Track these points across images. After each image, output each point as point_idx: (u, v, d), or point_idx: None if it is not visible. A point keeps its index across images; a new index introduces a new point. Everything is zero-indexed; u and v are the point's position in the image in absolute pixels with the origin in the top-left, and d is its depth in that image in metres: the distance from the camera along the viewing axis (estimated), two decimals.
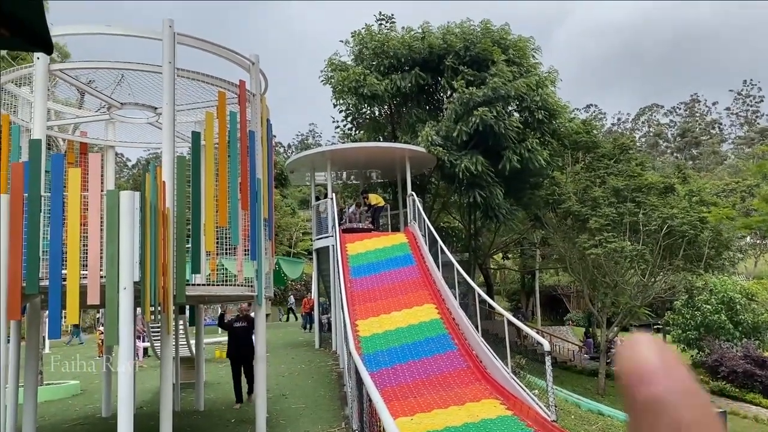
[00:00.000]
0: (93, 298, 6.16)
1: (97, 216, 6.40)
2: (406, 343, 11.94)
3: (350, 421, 8.56)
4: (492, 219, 21.06)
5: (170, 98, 7.91)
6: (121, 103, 10.27)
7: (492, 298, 24.90)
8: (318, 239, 18.88)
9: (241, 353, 10.82)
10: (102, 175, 7.98)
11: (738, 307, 28.90)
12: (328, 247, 17.60)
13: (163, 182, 7.33)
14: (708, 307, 28.42)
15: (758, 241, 47.57)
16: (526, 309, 37.45)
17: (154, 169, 7.15)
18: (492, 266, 35.19)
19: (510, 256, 38.53)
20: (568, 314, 39.24)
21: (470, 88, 19.59)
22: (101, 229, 6.43)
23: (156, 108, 10.18)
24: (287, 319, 33.75)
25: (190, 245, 7.80)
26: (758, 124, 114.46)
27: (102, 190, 6.70)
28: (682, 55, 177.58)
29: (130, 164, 73.18)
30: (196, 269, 7.95)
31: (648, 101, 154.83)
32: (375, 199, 19.70)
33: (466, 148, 19.58)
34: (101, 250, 6.35)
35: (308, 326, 23.93)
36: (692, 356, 29.71)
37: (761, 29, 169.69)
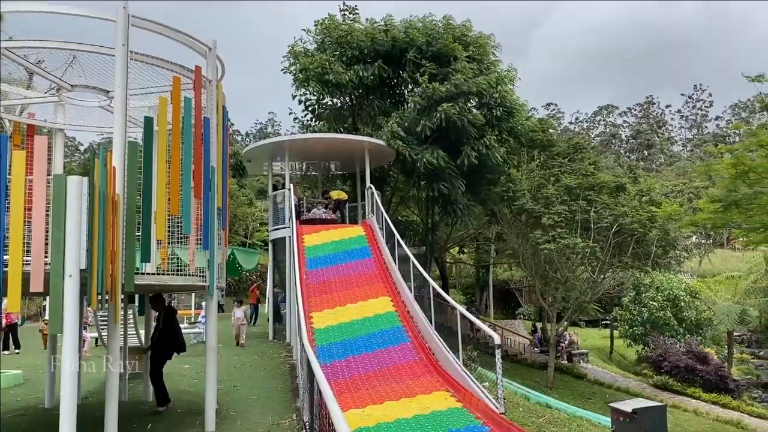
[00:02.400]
0: (36, 286, 5.96)
1: (42, 201, 6.19)
2: (361, 336, 11.96)
3: (301, 413, 8.54)
4: (450, 213, 21.25)
5: (123, 82, 7.69)
6: (72, 85, 9.94)
7: (447, 291, 25.19)
8: (274, 230, 18.72)
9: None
10: (50, 159, 7.71)
11: (682, 304, 29.97)
12: (284, 238, 17.48)
13: (113, 168, 7.14)
14: (654, 303, 29.36)
15: (703, 241, 49.34)
16: (480, 303, 37.96)
17: (104, 154, 6.96)
18: (448, 260, 35.55)
19: (465, 250, 38.99)
20: (520, 308, 39.97)
21: (433, 83, 19.67)
22: (47, 215, 6.23)
23: (108, 91, 9.90)
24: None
25: (140, 233, 7.61)
26: (706, 127, 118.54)
27: (49, 174, 6.48)
28: (659, 57, 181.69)
29: (81, 148, 71.00)
30: (146, 258, 7.76)
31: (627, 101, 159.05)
32: (337, 194, 19.69)
33: (427, 143, 19.68)
34: (46, 236, 6.16)
35: (253, 319, 23.12)
36: (638, 351, 30.71)
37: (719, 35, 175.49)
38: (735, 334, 32.75)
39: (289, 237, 16.51)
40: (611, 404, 6.78)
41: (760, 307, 31.38)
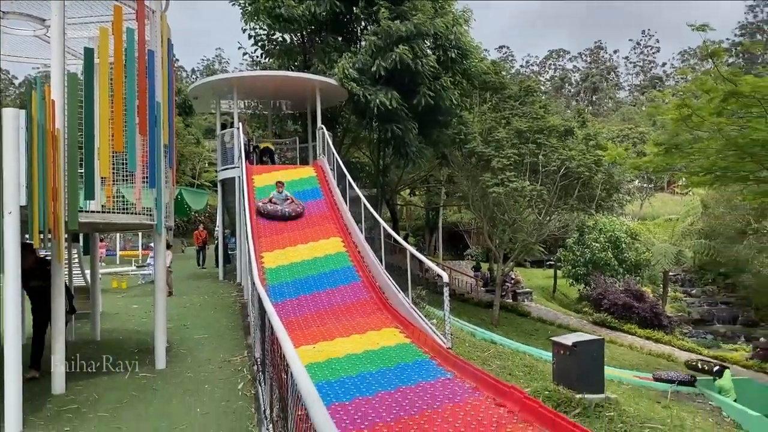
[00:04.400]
0: None
1: None
2: (312, 275, 12.06)
3: (252, 349, 8.65)
4: (402, 156, 21.26)
5: (59, 9, 7.27)
6: (4, 12, 9.33)
7: (398, 233, 25.48)
8: (223, 170, 18.40)
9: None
10: None
11: (623, 245, 31.22)
12: (233, 178, 17.21)
13: (52, 101, 6.81)
14: (596, 245, 30.48)
15: (645, 186, 51.06)
16: (429, 244, 38.60)
17: (42, 87, 6.63)
18: (399, 202, 35.81)
19: (416, 193, 39.31)
20: (468, 250, 40.87)
21: (393, 21, 19.21)
22: None
23: (44, 20, 9.34)
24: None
25: (83, 170, 7.35)
26: (653, 73, 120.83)
27: None
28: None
29: (16, 82, 67.29)
30: (89, 195, 7.52)
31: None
32: (264, 145, 19.64)
33: (381, 84, 19.43)
34: None
35: (201, 262, 22.66)
36: (579, 290, 32.05)
37: None
38: (670, 274, 34.48)
39: (239, 177, 16.26)
40: (553, 339, 7.11)
41: (695, 249, 33.03)
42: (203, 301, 14.40)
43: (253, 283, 8.00)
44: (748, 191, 15.10)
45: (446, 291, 8.98)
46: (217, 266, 19.78)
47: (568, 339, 6.68)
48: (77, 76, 7.49)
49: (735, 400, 16.18)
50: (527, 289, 31.55)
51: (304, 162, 19.57)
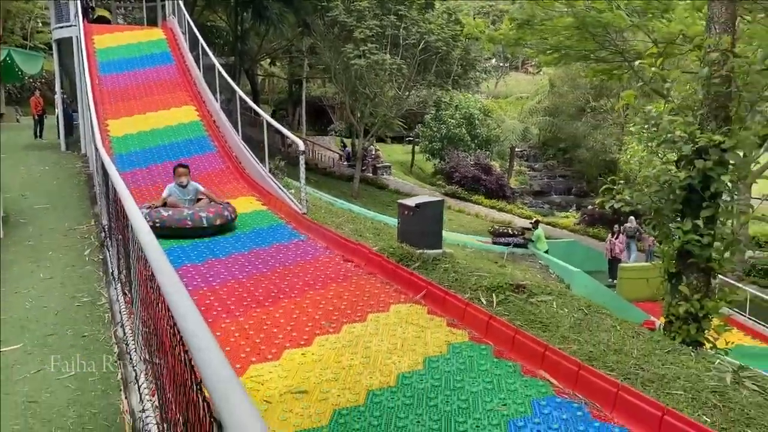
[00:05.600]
0: None
1: None
2: (163, 144, 11.64)
3: (99, 217, 8.39)
4: (262, 20, 20.24)
5: None
6: None
7: (258, 105, 24.79)
8: (58, 28, 16.51)
9: None
10: None
11: (476, 122, 32.75)
12: (71, 38, 15.56)
13: None
14: (452, 121, 31.70)
15: (501, 64, 52.94)
16: (293, 119, 38.04)
17: None
18: (259, 73, 34.49)
19: (278, 63, 37.95)
20: (332, 125, 40.87)
21: None
22: None
23: None
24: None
25: None
26: None
27: None
28: None
29: None
30: None
31: None
32: (100, 11, 18.01)
33: None
34: None
35: (39, 133, 20.55)
36: (434, 165, 33.58)
37: None
38: (517, 149, 37.00)
39: (77, 37, 14.73)
40: (399, 201, 7.60)
41: (540, 125, 35.49)
42: (44, 171, 13.43)
43: (97, 149, 7.62)
44: (589, 69, 16.35)
45: (302, 159, 9.12)
46: (59, 137, 18.30)
47: (412, 201, 7.18)
48: None
49: (546, 251, 18.73)
50: (387, 164, 32.52)
51: (153, 23, 18.05)
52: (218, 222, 7.85)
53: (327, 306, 5.32)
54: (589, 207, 27.57)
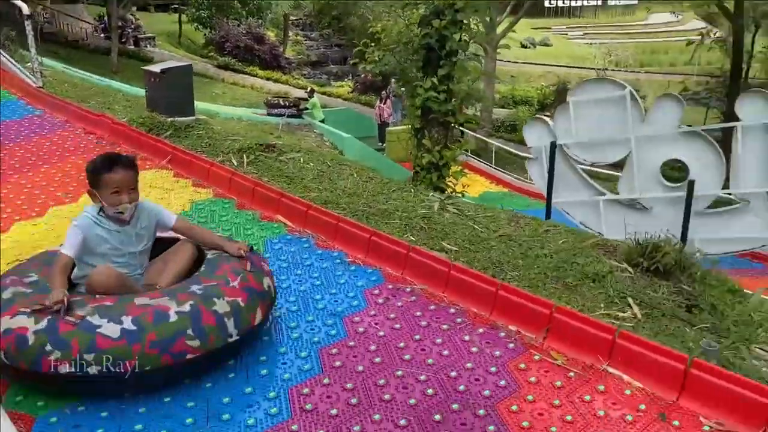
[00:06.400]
0: None
1: None
2: None
3: None
4: None
5: None
6: None
7: None
8: None
9: None
10: None
11: None
12: None
13: None
14: None
15: None
16: None
17: None
18: None
19: None
20: None
21: None
22: None
23: None
24: None
25: None
26: None
27: None
28: None
29: None
30: None
31: None
32: None
33: None
34: None
35: None
36: (205, 35, 31.58)
37: None
38: (292, 18, 36.08)
39: None
40: (144, 68, 7.22)
41: None
42: None
43: None
44: None
45: (28, 24, 8.10)
46: None
47: (158, 66, 6.87)
48: None
49: (323, 120, 19.37)
50: (150, 35, 29.81)
51: None
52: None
53: (64, 179, 5.08)
54: (362, 76, 28.37)
